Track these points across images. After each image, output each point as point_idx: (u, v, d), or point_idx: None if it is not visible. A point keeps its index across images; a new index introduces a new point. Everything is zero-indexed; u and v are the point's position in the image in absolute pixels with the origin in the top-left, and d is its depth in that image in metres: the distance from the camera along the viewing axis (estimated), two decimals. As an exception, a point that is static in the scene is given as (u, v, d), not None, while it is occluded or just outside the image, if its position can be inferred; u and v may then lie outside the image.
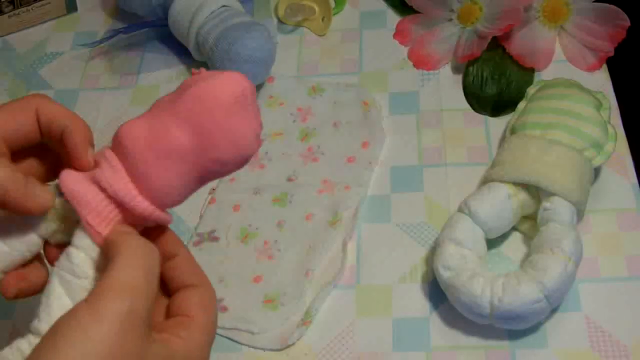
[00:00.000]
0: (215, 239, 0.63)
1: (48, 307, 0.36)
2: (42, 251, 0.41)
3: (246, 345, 0.57)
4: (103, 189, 0.37)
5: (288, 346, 0.56)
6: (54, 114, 0.40)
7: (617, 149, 0.60)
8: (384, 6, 0.79)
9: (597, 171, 0.61)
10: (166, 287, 0.41)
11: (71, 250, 0.38)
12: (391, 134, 0.68)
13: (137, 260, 0.36)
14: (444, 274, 0.55)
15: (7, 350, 0.36)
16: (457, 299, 0.54)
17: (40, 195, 0.38)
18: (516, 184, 0.58)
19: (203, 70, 0.39)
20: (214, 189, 0.66)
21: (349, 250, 0.61)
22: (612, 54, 0.69)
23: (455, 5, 0.72)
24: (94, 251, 0.38)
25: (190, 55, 0.73)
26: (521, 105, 0.64)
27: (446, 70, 0.72)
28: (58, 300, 0.37)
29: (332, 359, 0.56)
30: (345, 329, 0.57)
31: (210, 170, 0.38)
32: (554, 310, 0.55)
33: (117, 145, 0.38)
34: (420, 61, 0.73)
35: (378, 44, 0.75)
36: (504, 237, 0.60)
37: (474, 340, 0.55)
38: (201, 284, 0.40)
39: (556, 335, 0.55)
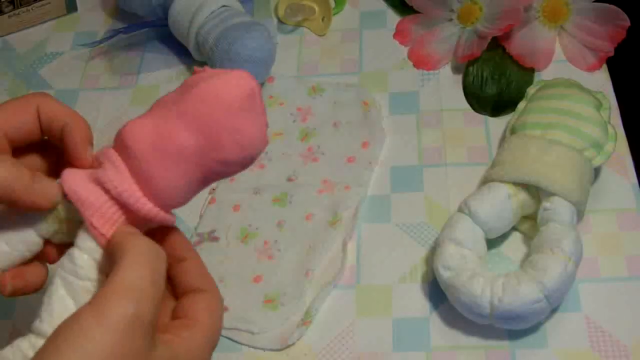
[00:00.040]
0: (215, 239, 0.63)
1: (50, 308, 0.36)
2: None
3: (246, 345, 0.57)
4: (107, 190, 0.37)
5: (288, 346, 0.56)
6: (55, 112, 0.40)
7: (617, 149, 0.60)
8: (384, 6, 0.79)
9: (597, 171, 0.61)
10: (173, 289, 0.40)
11: (74, 251, 0.37)
12: (391, 134, 0.68)
13: (143, 262, 0.35)
14: (444, 274, 0.55)
15: (7, 350, 0.36)
16: (457, 299, 0.54)
17: (48, 189, 0.38)
18: (516, 184, 0.58)
19: (207, 68, 0.38)
20: (214, 189, 0.66)
21: (349, 250, 0.61)
22: (612, 54, 0.69)
23: (455, 5, 0.72)
24: (98, 253, 0.37)
25: (190, 55, 0.73)
26: (521, 105, 0.64)
27: (446, 70, 0.72)
28: (60, 301, 0.36)
29: (332, 359, 0.56)
30: (345, 329, 0.57)
31: (216, 170, 0.38)
32: (554, 310, 0.55)
33: (120, 145, 0.37)
34: (420, 61, 0.73)
35: (378, 44, 0.75)
36: (504, 237, 0.60)
37: (474, 340, 0.55)
38: (209, 290, 0.39)
39: (556, 335, 0.55)
